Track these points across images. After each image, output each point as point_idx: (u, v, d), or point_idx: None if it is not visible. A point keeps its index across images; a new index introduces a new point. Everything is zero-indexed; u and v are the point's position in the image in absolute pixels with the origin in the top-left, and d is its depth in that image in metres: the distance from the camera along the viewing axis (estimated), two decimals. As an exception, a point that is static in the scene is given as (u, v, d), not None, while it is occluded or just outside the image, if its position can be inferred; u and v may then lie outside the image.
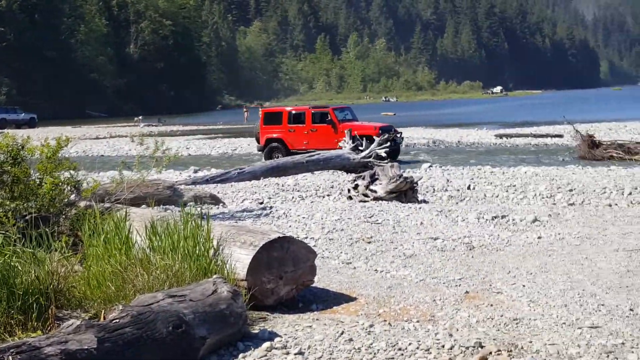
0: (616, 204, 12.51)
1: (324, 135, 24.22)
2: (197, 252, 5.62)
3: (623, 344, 4.76)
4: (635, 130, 34.72)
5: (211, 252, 5.70)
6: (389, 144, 20.28)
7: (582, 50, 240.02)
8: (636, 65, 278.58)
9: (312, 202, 12.94)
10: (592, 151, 22.97)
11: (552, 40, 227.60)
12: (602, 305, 5.76)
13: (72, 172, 7.68)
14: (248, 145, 33.29)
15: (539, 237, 8.80)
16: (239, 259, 5.65)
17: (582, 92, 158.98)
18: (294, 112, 25.64)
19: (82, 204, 7.53)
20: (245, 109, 72.82)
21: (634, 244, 8.29)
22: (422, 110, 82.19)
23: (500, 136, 33.36)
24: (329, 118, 24.46)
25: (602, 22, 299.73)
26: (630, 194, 13.09)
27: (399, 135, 24.47)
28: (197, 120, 69.51)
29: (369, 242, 8.54)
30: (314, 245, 8.01)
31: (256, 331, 5.05)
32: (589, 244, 8.45)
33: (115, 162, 19.25)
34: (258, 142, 25.73)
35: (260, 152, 25.76)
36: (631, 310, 5.61)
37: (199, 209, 6.90)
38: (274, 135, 25.06)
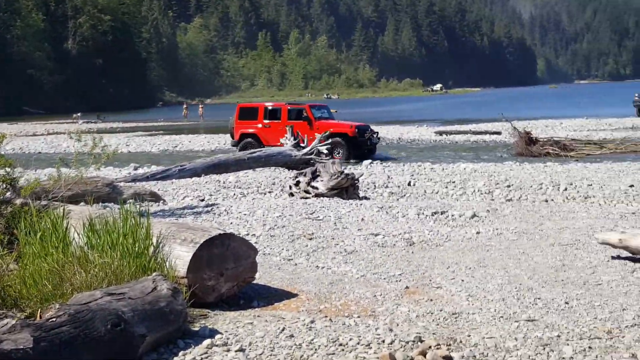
0: (552, 200, 12.78)
1: (300, 132, 23.87)
2: (136, 249, 5.55)
3: (559, 336, 4.86)
4: (570, 127, 35.52)
5: (151, 249, 5.64)
6: (330, 140, 20.26)
7: (520, 49, 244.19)
8: (572, 63, 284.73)
9: (253, 199, 12.92)
10: (529, 148, 23.38)
11: (490, 39, 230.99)
12: (539, 298, 5.88)
13: (7, 169, 7.52)
14: (189, 142, 33.12)
15: (478, 233, 8.93)
16: (180, 256, 5.60)
17: (519, 90, 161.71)
18: (270, 107, 25.32)
19: (18, 201, 7.37)
20: (185, 106, 72.32)
21: (569, 239, 8.47)
22: (364, 108, 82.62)
23: (440, 133, 33.76)
24: (305, 115, 24.17)
25: (538, 20, 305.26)
26: (565, 189, 13.38)
27: (375, 135, 24.29)
28: (137, 117, 68.64)
29: (311, 239, 8.56)
30: (256, 242, 8.00)
31: (197, 328, 5.02)
32: (526, 238, 8.61)
33: (53, 159, 18.94)
34: (232, 137, 25.41)
35: (228, 148, 25.43)
36: (566, 303, 5.74)
37: (138, 206, 6.82)
38: (249, 131, 24.74)
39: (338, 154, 22.44)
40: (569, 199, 12.84)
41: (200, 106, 71.33)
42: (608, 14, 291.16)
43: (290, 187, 12.87)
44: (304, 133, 23.11)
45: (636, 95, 44.18)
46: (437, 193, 13.65)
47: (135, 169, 19.59)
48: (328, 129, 22.37)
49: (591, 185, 13.58)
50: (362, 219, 9.79)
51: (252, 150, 19.29)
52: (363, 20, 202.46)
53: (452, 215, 10.11)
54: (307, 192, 12.25)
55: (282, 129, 23.67)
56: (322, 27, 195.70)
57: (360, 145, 23.36)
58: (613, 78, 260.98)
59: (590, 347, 4.65)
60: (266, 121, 24.75)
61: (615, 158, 21.01)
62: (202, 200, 12.67)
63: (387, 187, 14.20)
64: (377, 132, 24.97)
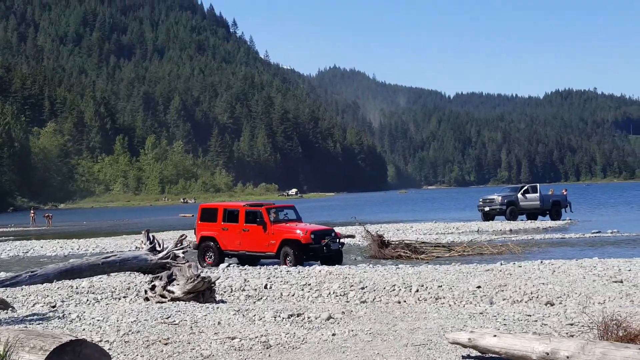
0: (405, 301, 13.14)
1: (254, 237, 22.32)
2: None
3: None
4: (420, 230, 36.79)
5: (-3, 358, 5.39)
6: (186, 245, 19.89)
7: (371, 155, 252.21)
8: (420, 170, 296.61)
9: (107, 304, 12.56)
10: (382, 250, 23.95)
11: (342, 146, 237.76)
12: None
13: None
14: (41, 248, 31.94)
15: (334, 334, 9.03)
16: (28, 365, 5.38)
17: (371, 194, 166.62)
18: (228, 209, 23.58)
19: None
20: (32, 212, 69.86)
21: (421, 339, 8.70)
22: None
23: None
24: (260, 218, 22.34)
25: (387, 129, 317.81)
26: (417, 291, 13.78)
27: (337, 240, 22.30)
28: (-15, 223, 65.64)
29: (166, 344, 8.40)
30: (109, 349, 7.78)
31: None
32: (380, 339, 8.78)
33: None
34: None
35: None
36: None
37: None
38: (208, 234, 23.23)
39: (290, 261, 21.17)
40: (421, 300, 13.23)
41: (31, 212, 68.71)
42: (452, 124, 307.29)
43: (146, 292, 12.61)
44: (259, 238, 22.13)
45: (481, 200, 46.51)
46: (293, 295, 13.73)
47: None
48: (282, 234, 21.63)
49: (441, 286, 14.05)
50: (219, 323, 9.71)
51: (107, 255, 18.76)
52: (219, 126, 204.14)
53: (309, 318, 10.20)
54: (163, 296, 12.04)
55: (240, 232, 22.61)
56: (178, 133, 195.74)
57: (314, 252, 21.67)
58: (459, 184, 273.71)
59: None
60: (224, 223, 23.12)
61: (463, 260, 21.87)
62: (54, 306, 12.20)
63: (243, 290, 14.17)
64: (339, 238, 22.70)
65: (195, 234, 23.90)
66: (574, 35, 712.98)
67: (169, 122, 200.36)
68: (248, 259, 22.63)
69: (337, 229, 37.73)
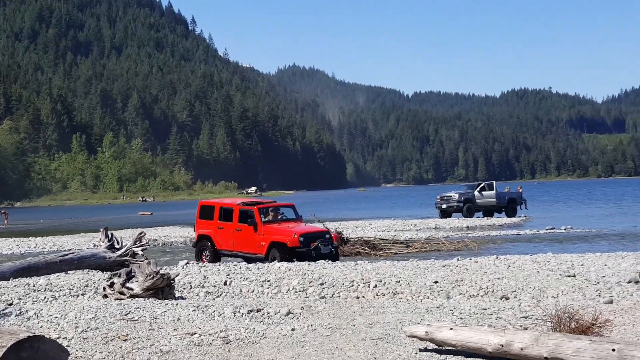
0: (363, 296, 13.27)
1: (246, 237, 21.31)
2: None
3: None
4: (378, 227, 37.05)
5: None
6: (145, 242, 19.77)
7: (330, 153, 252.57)
8: (378, 168, 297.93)
9: (65, 301, 12.47)
10: (341, 247, 24.07)
11: (302, 144, 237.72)
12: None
13: None
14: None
15: (293, 329, 9.11)
16: (-14, 361, 5.37)
17: (331, 192, 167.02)
18: (224, 207, 22.57)
19: None
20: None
21: (379, 333, 8.82)
22: (179, 210, 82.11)
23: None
24: (252, 218, 21.31)
25: (347, 128, 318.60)
26: (375, 286, 13.92)
27: (330, 243, 21.07)
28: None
29: (125, 340, 8.40)
30: (67, 345, 7.78)
31: None
32: (339, 334, 8.88)
33: None
34: None
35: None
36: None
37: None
38: (205, 232, 22.47)
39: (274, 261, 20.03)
40: (379, 295, 13.37)
41: None
42: (410, 123, 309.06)
43: (104, 289, 12.57)
44: (250, 239, 21.17)
45: (438, 197, 46.98)
46: (252, 292, 13.79)
47: None
48: (271, 236, 20.70)
49: (399, 281, 14.20)
50: (178, 319, 9.73)
51: (64, 253, 18.58)
52: (178, 124, 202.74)
53: (268, 313, 10.27)
54: (122, 293, 12.02)
55: (234, 232, 21.65)
56: (137, 131, 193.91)
57: (302, 257, 20.26)
58: (417, 182, 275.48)
59: None
60: (220, 222, 22.19)
61: (421, 256, 22.09)
62: (10, 304, 12.09)
63: (203, 286, 14.18)
64: (332, 242, 21.40)
65: (194, 231, 23.49)
66: (529, 35, 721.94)
67: (127, 120, 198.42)
68: (246, 260, 21.34)
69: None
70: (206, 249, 22.37)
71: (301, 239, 20.49)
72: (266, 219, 21.56)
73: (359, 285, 14.01)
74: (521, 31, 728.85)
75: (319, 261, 19.06)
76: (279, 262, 19.41)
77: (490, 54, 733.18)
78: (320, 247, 20.62)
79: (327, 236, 21.35)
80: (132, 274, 12.36)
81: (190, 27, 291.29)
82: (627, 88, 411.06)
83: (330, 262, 19.10)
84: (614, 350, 6.81)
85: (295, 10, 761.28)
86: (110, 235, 18.99)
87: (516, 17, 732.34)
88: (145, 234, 19.22)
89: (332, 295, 13.38)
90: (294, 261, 19.67)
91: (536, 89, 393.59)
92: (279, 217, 22.32)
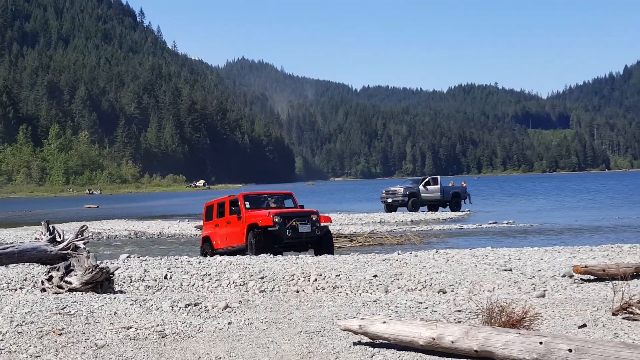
0: (303, 290, 13.39)
1: (234, 229, 19.66)
2: None
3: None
4: (324, 222, 37.19)
5: None
6: (87, 236, 19.52)
7: (278, 147, 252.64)
8: (327, 162, 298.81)
9: (2, 295, 12.35)
10: (285, 241, 24.13)
11: (251, 137, 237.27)
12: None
13: None
14: None
15: (230, 323, 9.17)
16: None
17: (279, 186, 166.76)
18: (219, 202, 20.95)
19: None
20: None
21: (315, 327, 8.94)
22: (126, 203, 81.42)
23: (201, 227, 33.99)
24: (236, 206, 19.80)
25: (295, 121, 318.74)
26: (315, 280, 14.05)
27: (311, 222, 19.20)
28: None
29: (60, 334, 8.39)
30: (1, 340, 7.75)
31: None
32: (275, 327, 8.98)
33: None
34: None
35: None
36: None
37: None
38: (206, 234, 21.14)
39: (251, 248, 18.98)
40: (319, 289, 13.51)
41: None
42: (358, 117, 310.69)
43: (43, 283, 12.47)
44: (237, 230, 19.52)
45: (383, 192, 47.38)
46: (193, 285, 13.81)
47: None
48: (249, 220, 19.12)
49: (339, 275, 14.35)
50: (115, 313, 9.73)
51: (4, 246, 18.24)
52: (126, 117, 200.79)
53: (206, 307, 10.31)
54: (60, 287, 11.94)
55: (226, 226, 20.07)
56: (84, 123, 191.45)
57: (276, 238, 18.87)
58: (365, 176, 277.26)
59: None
60: (217, 219, 20.74)
61: (363, 250, 22.31)
62: (-57, 299, 11.93)
63: (143, 280, 14.16)
64: (318, 225, 19.36)
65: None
66: (476, 30, 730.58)
67: (74, 112, 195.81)
68: (233, 254, 19.36)
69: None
70: (208, 253, 20.65)
71: (276, 218, 18.76)
72: (253, 207, 20.00)
73: (299, 279, 14.12)
74: (468, 27, 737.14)
75: (261, 255, 18.67)
76: (254, 250, 18.43)
77: (437, 49, 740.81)
78: (298, 226, 18.77)
79: (313, 216, 19.37)
80: (71, 267, 12.30)
81: (138, 19, 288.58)
82: (572, 84, 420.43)
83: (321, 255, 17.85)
84: (541, 343, 7.03)
85: (244, 4, 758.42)
86: (52, 229, 18.76)
87: (463, 13, 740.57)
88: (87, 227, 19.01)
89: (273, 289, 13.48)
90: (274, 247, 18.56)
91: (483, 85, 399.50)
92: (273, 206, 20.57)
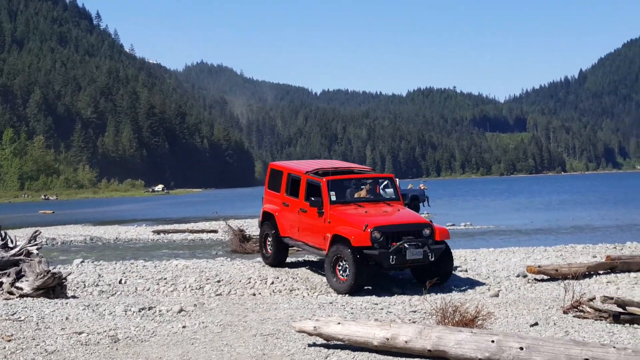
0: (260, 293, 13.35)
1: (311, 223, 14.27)
2: None
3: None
4: (283, 225, 37.12)
5: None
6: (40, 241, 19.22)
7: (238, 151, 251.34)
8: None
9: (-50, 303, 12.13)
10: (243, 245, 24.05)
11: (210, 141, 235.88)
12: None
13: None
14: None
15: (184, 327, 9.12)
16: None
17: (239, 190, 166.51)
18: (292, 174, 15.30)
19: None
20: None
21: (270, 329, 8.93)
22: (83, 208, 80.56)
23: (158, 232, 33.73)
24: (318, 194, 14.15)
25: (255, 125, 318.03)
26: (272, 283, 14.03)
27: (420, 246, 13.15)
28: None
29: (9, 340, 8.26)
30: (-53, 347, 7.60)
31: None
32: (230, 330, 8.95)
33: None
34: None
35: None
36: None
37: None
38: (269, 209, 15.69)
39: (341, 274, 13.29)
40: (275, 292, 13.49)
41: None
42: (318, 120, 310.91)
43: (-8, 290, 12.26)
44: (315, 226, 14.19)
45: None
46: (148, 290, 13.69)
47: None
48: (337, 225, 13.49)
49: (295, 278, 14.35)
50: (67, 318, 9.61)
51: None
52: (82, 121, 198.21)
53: (160, 311, 10.24)
54: (11, 293, 11.76)
55: (299, 213, 14.62)
56: (39, 127, 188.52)
57: (376, 263, 13.13)
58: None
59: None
60: (287, 196, 15.21)
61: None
62: None
63: (97, 285, 13.99)
64: (433, 240, 13.45)
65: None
66: (434, 34, 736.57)
67: (28, 116, 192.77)
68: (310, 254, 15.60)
69: (199, 224, 37.80)
70: (269, 236, 15.74)
71: (376, 234, 13.00)
72: (340, 200, 14.14)
73: (256, 282, 14.08)
74: (427, 30, 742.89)
75: (218, 259, 18.29)
76: (341, 269, 13.24)
77: (397, 53, 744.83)
78: (407, 249, 12.95)
79: (426, 231, 13.43)
80: (22, 273, 12.12)
81: (95, 22, 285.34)
82: (528, 88, 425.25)
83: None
84: (493, 341, 7.11)
85: (202, 7, 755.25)
86: (4, 234, 18.47)
87: (421, 17, 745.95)
88: (40, 232, 18.75)
89: (229, 292, 13.42)
90: (371, 265, 13.18)
91: (441, 88, 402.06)
92: (370, 195, 14.86)
